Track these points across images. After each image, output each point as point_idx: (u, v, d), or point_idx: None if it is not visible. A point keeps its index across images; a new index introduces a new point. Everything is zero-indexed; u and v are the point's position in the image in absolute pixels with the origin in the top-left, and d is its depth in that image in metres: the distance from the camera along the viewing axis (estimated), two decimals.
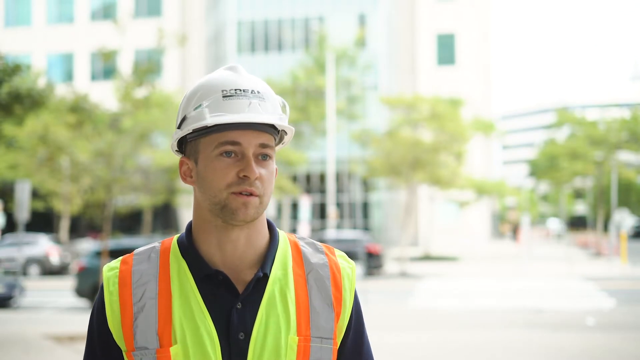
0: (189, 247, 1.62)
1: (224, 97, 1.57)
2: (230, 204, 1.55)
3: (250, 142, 1.56)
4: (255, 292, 1.59)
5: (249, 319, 1.57)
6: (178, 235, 1.68)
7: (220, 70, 1.65)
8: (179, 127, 1.62)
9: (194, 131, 1.58)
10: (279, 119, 1.61)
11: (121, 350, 1.59)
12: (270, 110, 1.60)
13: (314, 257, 1.68)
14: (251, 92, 1.58)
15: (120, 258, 1.64)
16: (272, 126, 1.61)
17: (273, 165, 1.61)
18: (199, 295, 1.57)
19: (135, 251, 1.65)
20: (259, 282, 1.60)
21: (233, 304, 1.57)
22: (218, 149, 1.56)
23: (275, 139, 1.62)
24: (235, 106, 1.56)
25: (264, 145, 1.58)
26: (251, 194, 1.56)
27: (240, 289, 1.59)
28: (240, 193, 1.55)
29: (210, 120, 1.54)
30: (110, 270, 1.62)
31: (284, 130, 1.65)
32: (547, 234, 72.98)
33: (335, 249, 1.73)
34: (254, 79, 1.62)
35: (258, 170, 1.56)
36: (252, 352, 1.55)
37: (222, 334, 1.55)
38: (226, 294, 1.58)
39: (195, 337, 1.54)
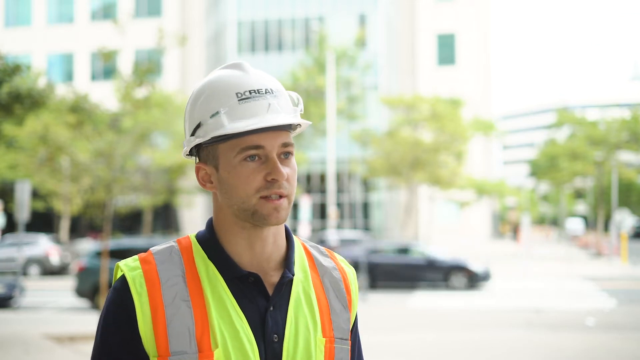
0: (215, 248, 1.57)
1: (239, 100, 1.52)
2: (261, 210, 1.51)
3: (273, 144, 1.52)
4: (282, 294, 1.57)
5: (280, 321, 1.55)
6: (194, 234, 1.62)
7: (225, 69, 1.59)
8: (193, 134, 1.56)
9: (213, 138, 1.53)
10: (295, 116, 1.57)
11: (147, 356, 1.51)
12: (285, 107, 1.56)
13: (324, 261, 1.68)
14: (266, 92, 1.54)
15: (137, 257, 1.57)
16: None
17: (294, 160, 1.58)
18: (232, 297, 1.53)
19: (153, 250, 1.58)
20: (285, 284, 1.58)
21: (265, 306, 1.55)
22: (241, 154, 1.51)
23: (291, 133, 1.59)
24: (253, 110, 1.51)
25: (286, 144, 1.54)
26: (280, 196, 1.52)
27: (269, 290, 1.57)
28: (270, 197, 1.52)
29: (231, 127, 1.49)
30: (132, 270, 1.53)
31: (301, 123, 1.61)
32: (547, 234, 72.97)
33: (335, 253, 1.72)
34: (263, 76, 1.57)
35: (285, 171, 1.52)
36: (286, 354, 1.53)
37: (258, 336, 1.52)
38: (258, 296, 1.55)
39: (235, 341, 1.50)
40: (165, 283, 1.52)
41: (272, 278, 1.58)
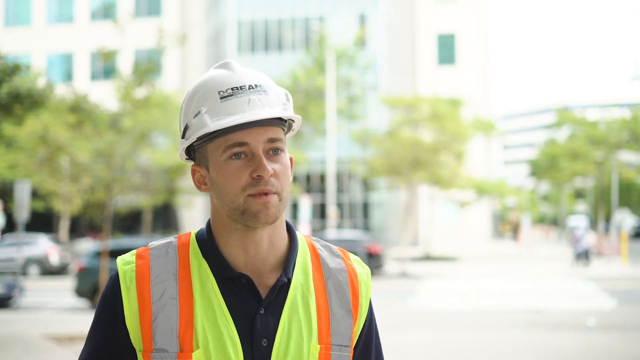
0: (210, 247, 1.55)
1: (221, 98, 1.50)
2: (250, 208, 1.48)
3: (258, 140, 1.49)
4: (278, 297, 1.54)
5: (271, 325, 1.51)
6: (195, 231, 1.60)
7: (213, 69, 1.58)
8: (183, 137, 1.56)
9: (199, 139, 1.52)
10: (283, 110, 1.53)
11: (134, 350, 1.52)
12: (273, 101, 1.52)
13: (332, 262, 1.62)
14: (249, 88, 1.51)
15: (135, 252, 1.56)
16: (279, 117, 1.53)
17: (286, 157, 1.54)
18: (221, 298, 1.51)
19: (151, 245, 1.57)
20: (282, 287, 1.55)
21: (256, 309, 1.52)
22: (226, 152, 1.49)
23: (284, 130, 1.55)
24: (234, 107, 1.49)
25: (272, 140, 1.51)
26: (268, 193, 1.50)
27: (263, 293, 1.53)
28: (257, 194, 1.49)
29: (212, 126, 1.48)
30: (126, 264, 1.54)
31: (292, 118, 1.57)
32: (547, 233, 72.94)
33: (349, 253, 1.67)
34: (249, 73, 1.55)
35: (271, 167, 1.49)
36: (275, 359, 1.50)
37: (245, 340, 1.49)
38: (249, 298, 1.52)
39: (218, 342, 1.48)
40: (156, 279, 1.51)
41: (267, 280, 1.54)
